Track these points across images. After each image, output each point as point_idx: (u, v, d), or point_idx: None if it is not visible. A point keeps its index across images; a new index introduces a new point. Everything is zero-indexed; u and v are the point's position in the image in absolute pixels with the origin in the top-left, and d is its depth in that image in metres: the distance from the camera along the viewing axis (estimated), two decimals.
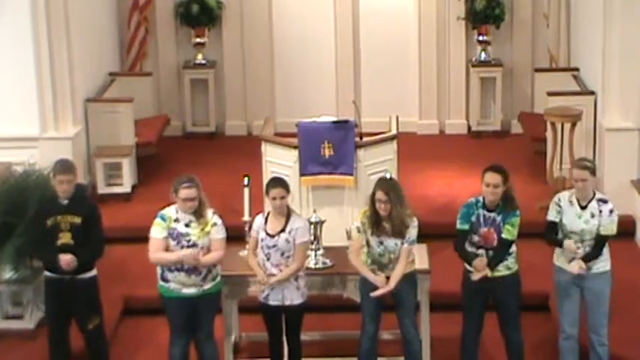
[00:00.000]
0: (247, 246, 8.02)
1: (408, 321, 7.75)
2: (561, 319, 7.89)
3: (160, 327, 8.40)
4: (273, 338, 7.93)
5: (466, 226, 7.69)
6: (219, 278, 7.73)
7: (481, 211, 7.67)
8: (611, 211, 7.63)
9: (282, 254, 7.67)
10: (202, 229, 7.55)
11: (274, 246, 7.68)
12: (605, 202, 7.67)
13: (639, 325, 8.60)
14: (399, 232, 7.59)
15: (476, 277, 7.64)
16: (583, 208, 7.66)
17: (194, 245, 7.51)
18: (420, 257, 8.05)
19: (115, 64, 12.95)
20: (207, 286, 7.63)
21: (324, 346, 8.60)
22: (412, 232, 7.60)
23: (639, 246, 10.07)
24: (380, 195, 7.57)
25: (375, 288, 7.66)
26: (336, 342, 8.60)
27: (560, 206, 7.75)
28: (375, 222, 7.63)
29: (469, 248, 7.74)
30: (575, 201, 7.70)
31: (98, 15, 12.21)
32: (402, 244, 7.59)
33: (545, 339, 8.40)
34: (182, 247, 7.53)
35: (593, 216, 7.63)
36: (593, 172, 7.66)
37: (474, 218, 7.68)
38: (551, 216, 7.78)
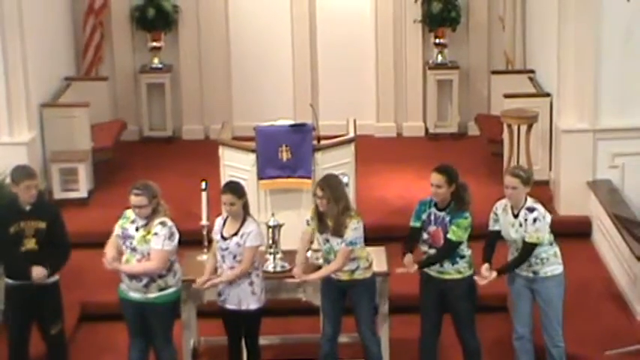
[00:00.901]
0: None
1: (365, 326, 7.76)
2: (514, 320, 7.95)
3: (118, 333, 8.34)
4: (232, 342, 7.91)
5: (417, 224, 7.72)
6: (171, 290, 7.59)
7: (432, 210, 7.69)
8: (535, 220, 7.54)
9: (235, 257, 7.64)
10: (143, 237, 7.48)
11: (227, 249, 7.65)
12: (532, 210, 7.59)
13: (595, 324, 8.67)
14: (338, 231, 7.59)
15: (399, 270, 7.66)
16: (515, 216, 7.66)
17: (134, 250, 7.49)
18: (379, 260, 8.06)
19: (71, 68, 12.86)
20: (152, 295, 7.52)
21: (284, 349, 8.59)
22: (350, 234, 7.55)
23: (595, 246, 10.13)
24: (316, 190, 7.61)
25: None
26: (296, 345, 8.59)
27: (496, 214, 7.78)
28: (320, 220, 7.67)
29: (421, 247, 7.77)
30: (509, 210, 7.70)
31: (53, 19, 12.12)
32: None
33: (503, 340, 8.43)
34: (126, 248, 7.53)
35: (521, 225, 7.62)
36: (525, 181, 7.59)
37: (424, 216, 7.71)
38: (490, 225, 7.81)
